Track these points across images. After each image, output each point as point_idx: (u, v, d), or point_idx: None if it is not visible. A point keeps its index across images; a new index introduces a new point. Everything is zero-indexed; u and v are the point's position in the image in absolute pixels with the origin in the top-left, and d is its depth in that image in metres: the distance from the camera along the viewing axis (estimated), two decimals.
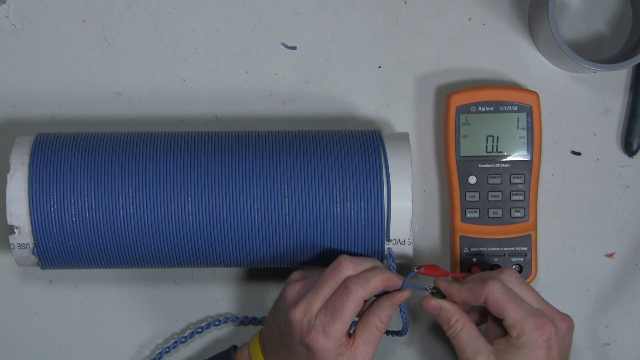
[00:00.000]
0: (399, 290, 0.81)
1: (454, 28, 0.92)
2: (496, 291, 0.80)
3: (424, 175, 0.92)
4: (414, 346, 0.93)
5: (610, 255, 0.92)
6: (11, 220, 0.82)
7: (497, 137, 0.89)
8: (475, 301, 0.81)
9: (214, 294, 0.93)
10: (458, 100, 0.89)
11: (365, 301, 0.80)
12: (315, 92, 0.93)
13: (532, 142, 0.89)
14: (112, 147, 0.83)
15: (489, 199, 0.89)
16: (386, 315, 0.81)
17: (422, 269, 0.82)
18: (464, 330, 0.81)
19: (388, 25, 0.92)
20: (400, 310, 0.84)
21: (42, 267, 0.85)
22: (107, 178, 0.82)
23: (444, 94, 0.92)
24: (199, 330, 0.92)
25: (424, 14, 0.92)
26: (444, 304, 0.82)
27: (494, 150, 0.89)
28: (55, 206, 0.81)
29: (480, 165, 0.89)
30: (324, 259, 0.84)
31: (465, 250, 0.89)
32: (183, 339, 0.92)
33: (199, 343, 0.93)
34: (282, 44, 0.92)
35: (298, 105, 0.92)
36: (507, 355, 0.80)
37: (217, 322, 0.92)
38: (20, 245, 0.83)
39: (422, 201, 0.92)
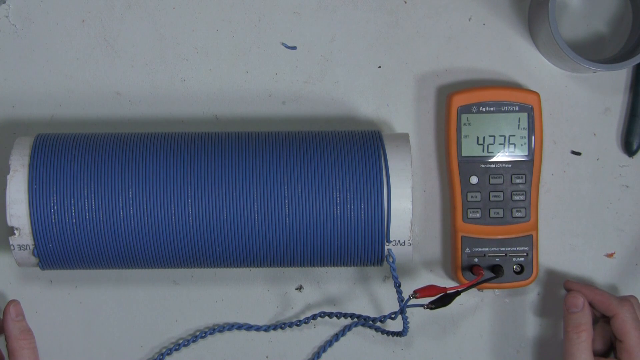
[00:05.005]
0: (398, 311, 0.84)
1: (454, 28, 0.92)
2: (628, 314, 0.85)
3: (425, 175, 0.92)
4: (414, 346, 0.93)
5: (610, 255, 0.92)
6: (11, 221, 0.82)
7: (499, 137, 0.89)
8: (602, 308, 0.86)
9: (214, 294, 0.93)
10: (459, 100, 0.89)
11: None
12: (315, 92, 0.92)
13: (534, 142, 0.89)
14: (112, 148, 0.83)
15: (491, 199, 0.89)
16: None
17: (418, 294, 0.82)
18: (585, 342, 0.85)
19: (388, 25, 0.92)
20: (402, 311, 0.84)
21: (42, 268, 0.85)
22: (107, 179, 0.82)
23: (444, 94, 0.92)
24: (202, 335, 0.92)
25: (424, 14, 0.92)
26: (587, 307, 0.86)
27: (495, 150, 0.89)
28: (55, 207, 0.81)
29: (482, 166, 0.89)
30: (324, 259, 0.84)
31: (467, 250, 0.89)
32: (185, 343, 0.92)
33: (200, 344, 0.93)
34: (282, 44, 0.92)
35: (298, 105, 0.92)
36: None
37: (221, 329, 0.92)
38: (21, 247, 0.83)
39: (423, 201, 0.92)
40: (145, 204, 0.81)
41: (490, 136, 0.89)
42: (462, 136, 0.89)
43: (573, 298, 0.86)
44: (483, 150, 0.89)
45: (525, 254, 0.89)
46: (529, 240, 0.89)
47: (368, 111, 0.92)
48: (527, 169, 0.89)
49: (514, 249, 0.89)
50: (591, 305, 0.87)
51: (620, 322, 0.85)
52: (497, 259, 0.89)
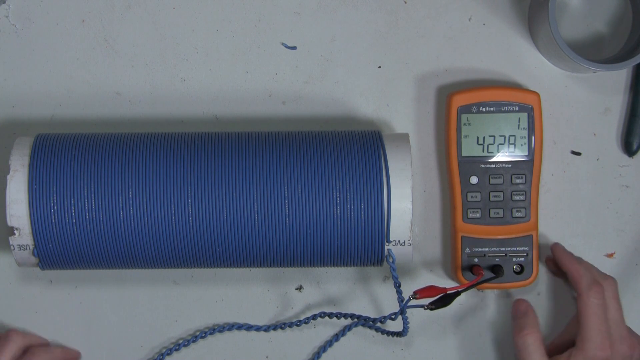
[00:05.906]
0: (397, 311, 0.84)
1: (454, 28, 0.92)
2: (593, 298, 0.83)
3: (425, 175, 0.92)
4: (414, 347, 0.93)
5: (610, 255, 0.92)
6: (11, 221, 0.82)
7: (499, 137, 0.89)
8: (572, 283, 0.86)
9: (214, 295, 0.93)
10: (459, 100, 0.89)
11: None
12: (315, 92, 0.92)
13: (533, 142, 0.89)
14: (112, 148, 0.83)
15: (491, 199, 0.89)
16: None
17: (418, 295, 0.82)
18: (532, 346, 0.84)
19: (388, 25, 0.92)
20: (402, 311, 0.84)
21: (42, 268, 0.84)
22: (107, 179, 0.82)
23: (444, 94, 0.92)
24: (202, 335, 0.92)
25: (424, 14, 0.92)
26: (532, 311, 0.87)
27: (495, 150, 0.89)
28: (55, 207, 0.81)
29: (482, 166, 0.89)
30: (324, 259, 0.84)
31: (467, 250, 0.89)
32: (185, 343, 0.92)
33: (200, 344, 0.93)
34: (282, 44, 0.92)
35: (298, 105, 0.92)
36: None
37: (221, 329, 0.92)
38: (20, 247, 0.83)
39: (423, 201, 0.92)
40: (145, 204, 0.81)
41: (490, 136, 0.89)
42: (462, 136, 0.89)
43: (517, 304, 0.88)
44: (483, 150, 0.89)
45: (525, 254, 0.89)
46: (529, 240, 0.89)
47: (368, 111, 0.92)
48: (527, 169, 0.89)
49: (514, 249, 0.89)
50: (560, 271, 0.89)
51: (582, 304, 0.84)
52: (497, 259, 0.89)
